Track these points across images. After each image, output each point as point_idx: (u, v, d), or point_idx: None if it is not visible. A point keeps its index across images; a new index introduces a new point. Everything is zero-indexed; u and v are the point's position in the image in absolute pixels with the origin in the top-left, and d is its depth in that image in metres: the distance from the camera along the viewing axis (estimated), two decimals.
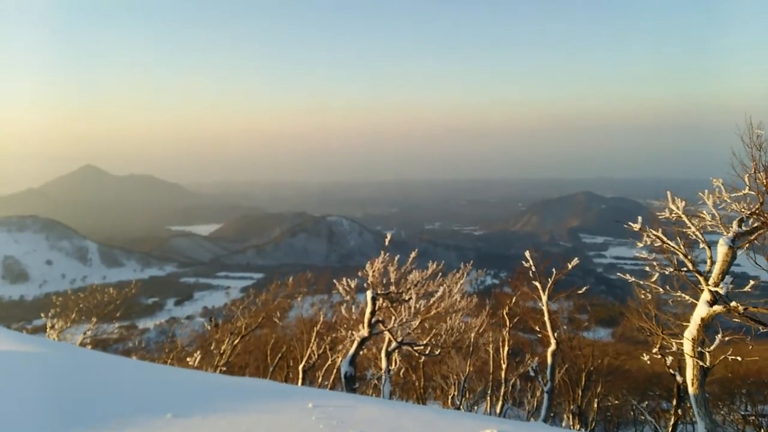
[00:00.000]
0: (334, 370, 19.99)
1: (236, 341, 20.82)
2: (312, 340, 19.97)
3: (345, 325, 17.22)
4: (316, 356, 19.98)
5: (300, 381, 19.35)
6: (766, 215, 9.34)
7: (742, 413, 20.50)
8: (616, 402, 26.36)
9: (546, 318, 16.54)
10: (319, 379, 21.06)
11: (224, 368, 19.96)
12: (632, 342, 29.23)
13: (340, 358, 17.96)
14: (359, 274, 14.53)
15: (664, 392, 23.77)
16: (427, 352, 17.04)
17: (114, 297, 21.86)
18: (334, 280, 15.41)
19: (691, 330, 10.36)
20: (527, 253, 16.23)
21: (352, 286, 15.05)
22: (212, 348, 21.19)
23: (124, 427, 5.32)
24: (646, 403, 24.40)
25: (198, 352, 20.79)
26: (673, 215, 10.63)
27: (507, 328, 20.42)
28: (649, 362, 13.92)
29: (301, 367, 19.59)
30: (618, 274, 13.98)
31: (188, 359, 20.25)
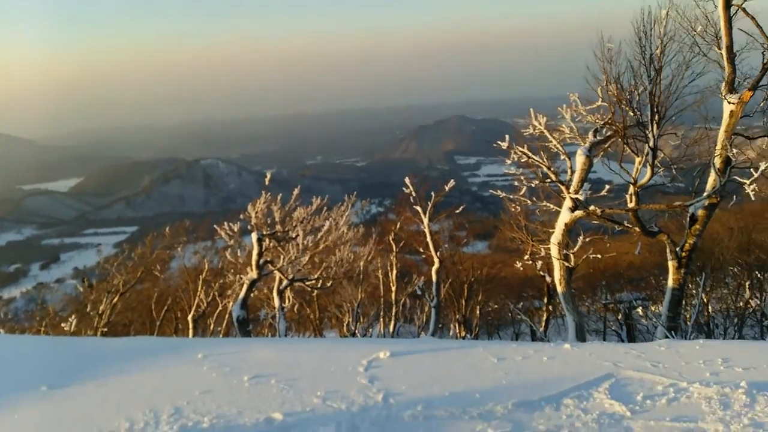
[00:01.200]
0: (226, 316, 19.65)
1: (115, 300, 19.67)
2: (199, 289, 19.39)
3: (232, 270, 16.82)
4: (205, 304, 19.49)
5: (191, 332, 18.85)
6: (617, 124, 10.20)
7: (603, 302, 23.29)
8: (496, 306, 28.76)
9: (428, 239, 17.27)
10: (211, 327, 20.66)
11: (105, 330, 18.90)
12: (507, 251, 31.65)
13: (231, 303, 17.63)
14: (241, 216, 14.13)
15: (536, 293, 26.23)
16: (319, 285, 17.22)
17: None
18: (215, 226, 14.87)
19: (557, 235, 11.33)
20: (407, 180, 16.64)
21: (236, 229, 14.63)
22: (89, 310, 19.96)
23: None
24: (521, 304, 26.88)
25: (73, 317, 19.67)
26: (536, 131, 11.30)
27: (394, 253, 21.11)
28: (521, 268, 15.12)
29: (190, 317, 19.04)
30: (490, 191, 14.82)
31: (63, 325, 19.02)
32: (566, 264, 11.44)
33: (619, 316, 20.45)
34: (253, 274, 13.51)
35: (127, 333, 21.86)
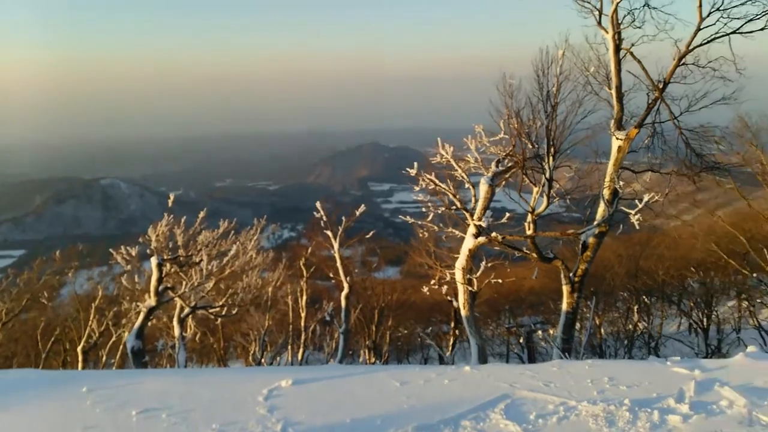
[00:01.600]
0: (121, 347, 18.37)
1: None
2: (91, 318, 18.05)
3: (129, 297, 15.81)
4: (98, 334, 18.14)
5: (80, 364, 17.42)
6: (517, 156, 10.77)
7: (507, 326, 24.18)
8: (406, 331, 29.04)
9: (338, 264, 17.20)
10: (104, 359, 19.22)
11: None
12: (416, 277, 32.15)
13: (126, 333, 16.51)
14: (141, 240, 13.40)
15: (444, 317, 26.77)
16: (224, 312, 16.56)
17: None
18: (111, 250, 13.97)
19: (461, 260, 11.68)
20: (318, 204, 16.58)
21: (134, 254, 13.80)
22: None
23: None
24: (430, 329, 27.31)
25: None
26: (443, 160, 11.69)
27: (304, 279, 20.81)
28: (428, 293, 15.41)
29: (80, 348, 17.62)
30: (400, 217, 15.08)
31: None
32: (470, 288, 11.80)
33: (521, 340, 21.31)
34: (151, 301, 12.76)
35: (9, 366, 19.87)
